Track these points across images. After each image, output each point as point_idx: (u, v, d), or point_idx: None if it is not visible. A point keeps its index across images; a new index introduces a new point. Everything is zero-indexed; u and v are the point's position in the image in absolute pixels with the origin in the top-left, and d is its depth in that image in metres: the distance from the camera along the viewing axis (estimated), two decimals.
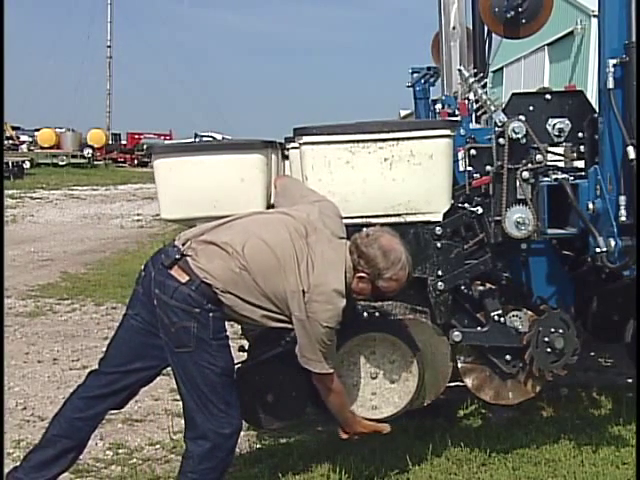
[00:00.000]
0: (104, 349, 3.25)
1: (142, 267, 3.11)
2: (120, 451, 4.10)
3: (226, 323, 3.04)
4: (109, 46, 56.90)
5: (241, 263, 2.92)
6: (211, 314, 2.90)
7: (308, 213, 3.13)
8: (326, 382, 3.07)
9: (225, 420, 2.93)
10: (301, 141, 3.45)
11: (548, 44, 21.60)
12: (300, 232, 3.02)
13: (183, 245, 2.98)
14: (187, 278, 2.89)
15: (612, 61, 3.29)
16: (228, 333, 3.04)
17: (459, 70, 4.67)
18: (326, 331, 2.94)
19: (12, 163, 28.67)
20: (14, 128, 43.54)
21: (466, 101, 4.79)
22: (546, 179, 3.47)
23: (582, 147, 3.64)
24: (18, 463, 3.90)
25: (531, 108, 3.58)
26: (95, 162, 40.75)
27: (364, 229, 3.16)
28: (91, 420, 3.16)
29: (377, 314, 3.57)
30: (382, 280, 3.04)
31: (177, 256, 2.94)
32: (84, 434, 3.15)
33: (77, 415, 3.12)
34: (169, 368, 3.20)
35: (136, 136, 47.81)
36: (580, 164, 3.74)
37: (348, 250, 3.06)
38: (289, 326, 3.03)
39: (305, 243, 2.99)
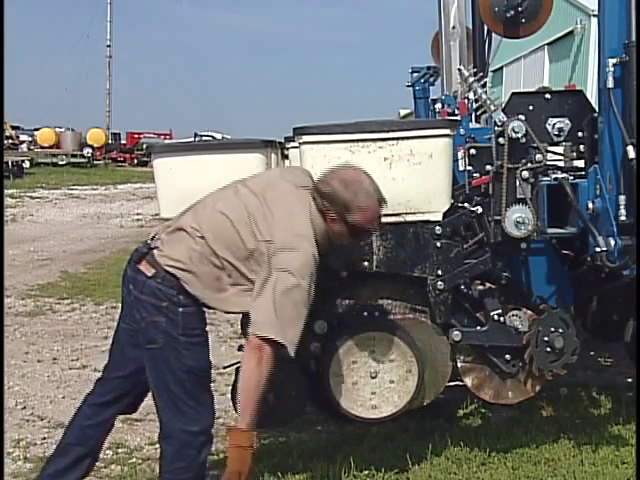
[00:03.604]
0: (104, 348, 3.26)
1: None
2: (120, 450, 4.10)
3: (206, 321, 2.95)
4: (109, 45, 56.98)
5: (198, 236, 2.85)
6: (181, 309, 2.82)
7: (269, 174, 3.10)
8: (261, 351, 2.70)
9: (193, 417, 2.83)
10: (301, 140, 3.44)
11: (548, 44, 21.61)
12: (256, 190, 2.94)
13: (152, 239, 2.96)
14: (153, 271, 2.85)
15: (612, 60, 3.29)
16: (206, 331, 2.92)
17: (459, 69, 4.67)
18: (293, 286, 2.71)
19: (12, 162, 28.65)
20: (14, 127, 43.53)
21: (466, 100, 4.80)
22: (546, 178, 3.47)
23: (582, 147, 3.64)
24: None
25: (531, 107, 3.58)
26: (95, 161, 40.72)
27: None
28: (100, 426, 3.12)
29: (377, 313, 3.58)
30: (352, 214, 2.89)
31: (145, 250, 2.92)
32: (95, 441, 3.12)
33: (86, 422, 3.09)
34: None
35: (136, 135, 47.80)
36: (580, 164, 3.74)
37: (312, 198, 2.94)
38: None
39: (262, 199, 2.89)
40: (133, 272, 2.92)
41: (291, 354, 2.74)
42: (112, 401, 3.10)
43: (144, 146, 42.30)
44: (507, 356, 3.66)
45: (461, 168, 3.82)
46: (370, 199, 2.93)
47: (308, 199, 2.94)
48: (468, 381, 3.75)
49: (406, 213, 3.44)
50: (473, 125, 4.80)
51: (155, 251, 2.89)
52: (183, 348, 2.82)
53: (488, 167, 3.54)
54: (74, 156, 39.75)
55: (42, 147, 40.79)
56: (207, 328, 2.95)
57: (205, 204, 3.01)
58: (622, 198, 3.31)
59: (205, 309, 2.94)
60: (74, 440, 3.09)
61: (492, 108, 3.76)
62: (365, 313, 3.57)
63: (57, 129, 43.41)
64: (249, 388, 2.73)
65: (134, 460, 3.96)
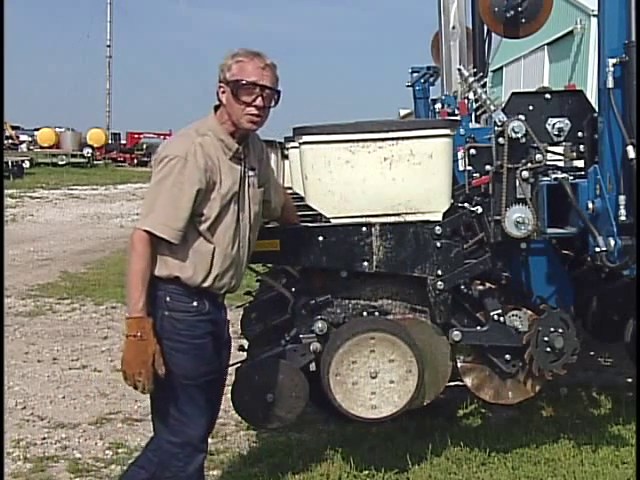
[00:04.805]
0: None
1: None
2: (120, 451, 4.10)
3: (205, 330, 2.80)
4: (109, 45, 57.09)
5: None
6: (166, 312, 2.75)
7: None
8: (134, 238, 2.70)
9: (177, 428, 2.78)
10: (301, 141, 3.45)
11: (548, 44, 21.60)
12: None
13: None
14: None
15: (612, 60, 3.30)
16: (199, 340, 2.78)
17: (459, 69, 4.68)
18: (163, 175, 2.69)
19: (12, 162, 28.69)
20: (14, 127, 43.58)
21: (466, 101, 4.80)
22: (546, 178, 3.47)
23: (582, 147, 3.64)
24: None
25: (531, 108, 3.58)
26: (95, 162, 40.75)
27: None
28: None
29: (377, 313, 3.58)
30: (230, 71, 2.77)
31: None
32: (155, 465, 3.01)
33: (150, 446, 3.04)
34: None
35: (136, 136, 47.78)
36: (580, 164, 3.74)
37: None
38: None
39: None
40: None
41: (172, 240, 2.68)
42: None
43: (144, 146, 42.33)
44: (507, 356, 3.66)
45: (461, 168, 3.82)
46: (249, 53, 2.80)
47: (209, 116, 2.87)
48: (468, 381, 3.75)
49: (406, 213, 3.44)
50: (473, 125, 4.80)
51: None
52: (166, 353, 2.72)
53: (488, 167, 3.54)
54: (74, 156, 39.78)
55: (42, 147, 40.84)
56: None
57: None
58: (622, 198, 3.31)
59: (205, 318, 2.81)
60: (139, 463, 3.06)
61: (492, 108, 3.77)
62: (365, 313, 3.57)
63: (57, 129, 43.44)
64: (127, 273, 2.71)
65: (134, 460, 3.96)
